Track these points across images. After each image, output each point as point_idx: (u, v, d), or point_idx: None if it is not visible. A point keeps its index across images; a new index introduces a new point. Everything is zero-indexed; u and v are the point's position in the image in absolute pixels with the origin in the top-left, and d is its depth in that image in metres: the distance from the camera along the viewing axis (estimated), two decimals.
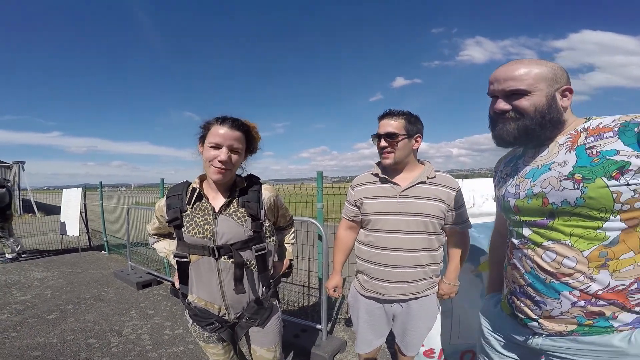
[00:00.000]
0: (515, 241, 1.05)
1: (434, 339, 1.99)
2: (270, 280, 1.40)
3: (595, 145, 0.86)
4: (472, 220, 1.93)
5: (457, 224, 1.55)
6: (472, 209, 1.99)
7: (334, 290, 1.74)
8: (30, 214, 12.20)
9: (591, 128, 0.90)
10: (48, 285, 4.18)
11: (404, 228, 1.48)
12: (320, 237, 2.58)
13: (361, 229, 1.66)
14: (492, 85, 1.02)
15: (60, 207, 6.40)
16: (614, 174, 0.81)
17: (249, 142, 1.31)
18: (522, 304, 1.03)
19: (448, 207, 1.51)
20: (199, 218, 1.26)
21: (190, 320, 1.38)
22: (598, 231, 0.85)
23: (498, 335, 1.15)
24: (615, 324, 0.88)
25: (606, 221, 0.84)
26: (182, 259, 1.28)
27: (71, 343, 2.64)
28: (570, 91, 0.97)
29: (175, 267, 1.35)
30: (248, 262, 1.29)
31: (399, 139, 1.47)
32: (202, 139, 1.26)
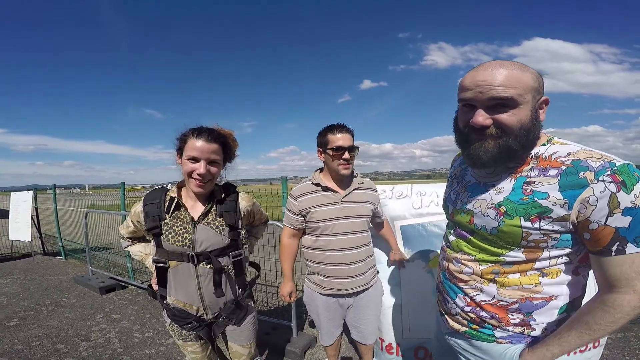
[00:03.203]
0: (444, 243, 1.13)
1: (391, 334, 2.12)
2: (246, 283, 1.50)
3: (534, 182, 0.83)
4: (420, 220, 2.21)
5: (382, 214, 1.97)
6: (420, 209, 2.23)
7: (289, 296, 1.86)
8: None
9: (543, 157, 0.85)
10: (2, 292, 4.01)
11: (348, 229, 1.72)
12: None
13: (307, 235, 1.81)
14: (468, 92, 0.84)
15: (6, 210, 6.02)
16: (532, 217, 0.82)
17: (226, 152, 1.37)
18: (438, 299, 1.14)
19: (374, 205, 1.81)
20: (178, 227, 1.31)
21: (169, 320, 1.44)
22: (500, 257, 0.91)
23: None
24: (497, 334, 0.95)
25: (510, 251, 0.89)
26: (162, 265, 1.34)
27: (38, 349, 2.62)
28: (548, 102, 0.86)
29: (153, 270, 1.41)
30: (226, 267, 1.37)
31: (357, 152, 1.71)
32: (180, 151, 1.30)
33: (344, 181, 1.76)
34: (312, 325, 3.00)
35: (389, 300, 2.11)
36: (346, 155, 1.65)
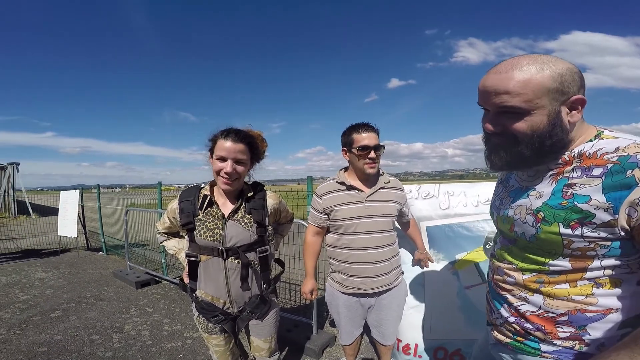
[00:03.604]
0: (491, 251, 1.06)
1: (410, 335, 2.10)
2: (271, 278, 1.55)
3: (576, 184, 0.76)
4: (446, 221, 2.13)
5: (409, 214, 1.93)
6: (447, 210, 2.15)
7: (311, 294, 1.85)
8: (25, 215, 12.21)
9: (587, 155, 0.77)
10: (49, 285, 4.30)
11: (371, 229, 1.68)
12: None
13: (330, 234, 1.79)
14: (479, 97, 0.83)
15: (55, 208, 6.50)
16: (572, 223, 0.75)
17: (254, 151, 1.43)
18: (487, 309, 1.09)
19: (400, 205, 1.77)
20: (209, 223, 1.39)
21: (196, 313, 1.51)
22: (543, 265, 0.84)
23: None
24: (543, 348, 0.87)
25: (553, 259, 0.81)
26: (193, 259, 1.42)
27: (75, 339, 2.79)
28: (582, 103, 0.76)
29: (185, 264, 1.49)
30: (252, 263, 1.43)
31: (382, 151, 1.68)
32: (211, 151, 1.39)
33: (370, 180, 1.74)
34: (333, 324, 2.99)
35: (411, 301, 2.07)
36: (372, 154, 1.63)
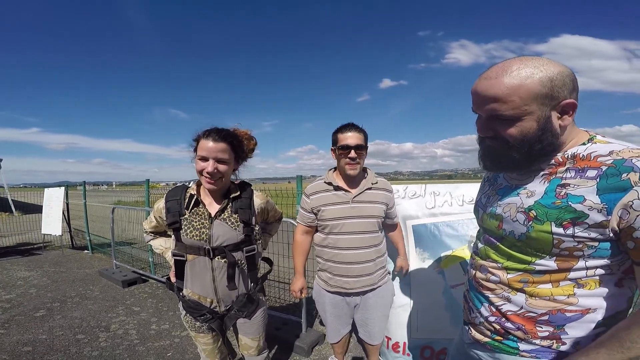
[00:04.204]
0: (472, 250, 1.07)
1: (398, 333, 2.13)
2: (258, 277, 1.56)
3: (569, 185, 0.77)
4: (432, 220, 2.17)
5: (395, 217, 1.93)
6: (433, 209, 2.19)
7: (300, 292, 1.88)
8: (7, 213, 11.90)
9: (580, 157, 0.79)
10: (32, 284, 4.22)
11: (357, 229, 1.70)
12: None
13: (317, 233, 1.81)
14: (473, 101, 0.85)
15: (39, 205, 6.37)
16: (564, 223, 0.76)
17: (237, 150, 1.43)
18: (464, 308, 1.09)
19: (387, 207, 1.79)
20: (196, 222, 1.39)
21: (184, 312, 1.51)
22: (529, 265, 0.85)
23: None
24: (521, 347, 0.88)
25: (540, 259, 0.83)
26: (180, 258, 1.42)
27: (60, 338, 2.75)
28: (573, 107, 0.78)
29: (172, 263, 1.49)
30: (239, 262, 1.44)
31: (365, 151, 1.69)
32: (196, 151, 1.38)
33: (355, 180, 1.75)
34: (323, 322, 3.02)
35: (398, 300, 2.09)
36: (352, 154, 1.65)
